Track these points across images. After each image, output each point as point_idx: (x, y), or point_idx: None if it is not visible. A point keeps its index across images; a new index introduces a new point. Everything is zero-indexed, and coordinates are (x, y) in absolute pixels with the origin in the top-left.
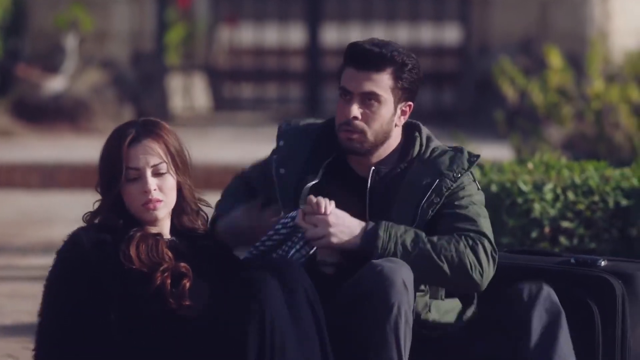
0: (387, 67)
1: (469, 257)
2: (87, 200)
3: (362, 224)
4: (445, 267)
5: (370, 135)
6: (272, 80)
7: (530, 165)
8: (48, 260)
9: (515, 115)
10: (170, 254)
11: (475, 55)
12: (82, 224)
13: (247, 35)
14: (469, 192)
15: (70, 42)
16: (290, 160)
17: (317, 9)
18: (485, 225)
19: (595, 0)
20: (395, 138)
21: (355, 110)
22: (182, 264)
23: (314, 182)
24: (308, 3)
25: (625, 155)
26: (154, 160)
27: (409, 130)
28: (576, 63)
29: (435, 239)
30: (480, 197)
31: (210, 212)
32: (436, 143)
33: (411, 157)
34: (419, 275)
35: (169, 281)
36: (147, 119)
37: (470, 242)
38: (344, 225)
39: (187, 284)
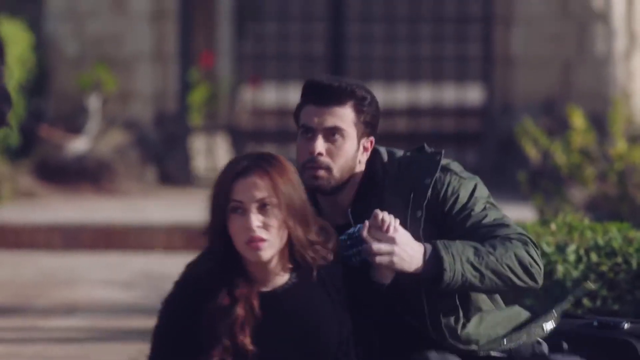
0: (348, 100)
1: (527, 259)
2: (110, 262)
3: (421, 246)
4: (509, 273)
5: (336, 172)
6: (295, 141)
7: (553, 226)
8: (71, 322)
9: (538, 175)
10: (244, 336)
11: (497, 115)
12: (106, 285)
13: (270, 95)
14: (468, 194)
15: (93, 103)
16: None
17: (339, 70)
18: (514, 225)
19: (618, 61)
20: (359, 175)
21: (320, 145)
22: (249, 348)
23: None
24: (331, 63)
25: None
26: (258, 195)
27: (369, 157)
28: (599, 123)
29: (490, 248)
30: (480, 190)
31: None
32: (400, 154)
33: (379, 179)
34: (485, 288)
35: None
36: (264, 153)
37: (521, 244)
38: (408, 246)
39: None
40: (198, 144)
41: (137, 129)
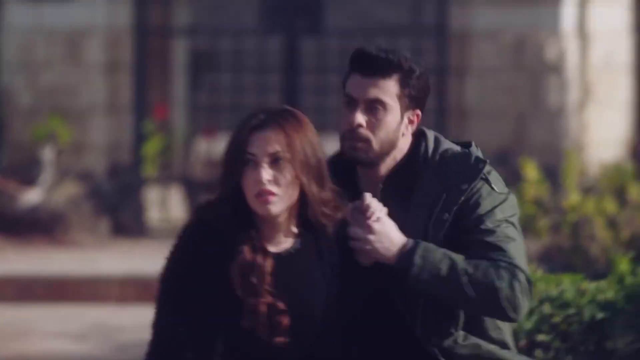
0: (393, 73)
1: (505, 292)
2: (63, 313)
3: (402, 241)
4: (479, 301)
5: (375, 144)
6: None
7: None
8: None
9: None
10: (269, 282)
11: None
12: (59, 337)
13: (224, 146)
14: (489, 207)
15: (48, 154)
16: None
17: None
18: (517, 252)
19: (571, 112)
20: (402, 149)
21: (360, 117)
22: (280, 304)
23: None
24: None
25: (601, 267)
26: (271, 149)
27: (417, 138)
28: (552, 175)
29: (471, 269)
30: (504, 207)
31: None
32: (445, 145)
33: (419, 166)
34: (451, 304)
35: (264, 311)
36: (284, 108)
37: (507, 276)
38: (385, 237)
39: (285, 322)
40: (152, 195)
41: (91, 180)
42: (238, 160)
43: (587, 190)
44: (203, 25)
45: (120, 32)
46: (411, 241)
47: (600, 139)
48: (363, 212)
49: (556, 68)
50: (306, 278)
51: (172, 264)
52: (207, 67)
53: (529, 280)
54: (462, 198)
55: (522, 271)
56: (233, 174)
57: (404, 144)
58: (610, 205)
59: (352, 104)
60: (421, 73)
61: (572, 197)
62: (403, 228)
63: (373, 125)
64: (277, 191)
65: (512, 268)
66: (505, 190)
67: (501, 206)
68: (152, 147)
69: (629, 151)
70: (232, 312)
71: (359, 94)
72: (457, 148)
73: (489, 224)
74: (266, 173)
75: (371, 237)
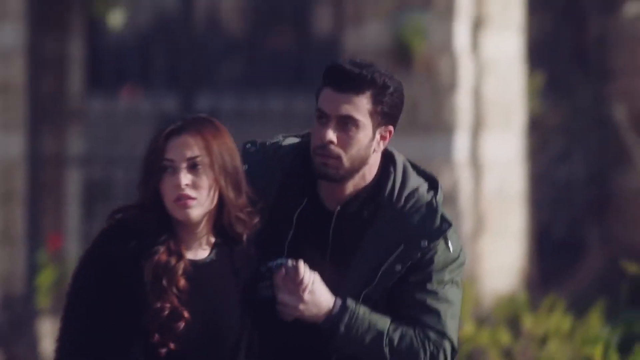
0: (366, 89)
1: None
2: None
3: (330, 305)
4: None
5: (346, 161)
6: None
7: None
8: None
9: None
10: (181, 284)
11: None
12: None
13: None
14: (441, 266)
15: None
16: (255, 188)
17: None
18: (452, 318)
19: (464, 243)
20: (373, 165)
21: (331, 134)
22: (185, 312)
23: (288, 239)
24: None
25: None
26: (189, 154)
27: (385, 162)
28: None
29: (397, 339)
30: (454, 266)
31: None
32: (413, 183)
33: (382, 200)
34: None
35: (166, 314)
36: (201, 115)
37: (431, 347)
38: (315, 305)
39: (180, 326)
40: (46, 326)
41: None
42: (156, 167)
43: (482, 320)
44: (97, 155)
45: (14, 162)
46: (338, 306)
47: (494, 269)
48: (296, 283)
49: (449, 198)
50: (220, 289)
51: (87, 265)
52: (101, 197)
53: (453, 349)
54: (419, 254)
55: (450, 340)
56: (151, 181)
57: (374, 160)
58: (505, 336)
59: (323, 118)
60: (395, 89)
61: (467, 327)
62: (346, 267)
63: (344, 142)
64: (196, 195)
65: (440, 338)
66: (459, 247)
67: (451, 266)
68: (45, 277)
69: (523, 280)
70: (141, 316)
71: (331, 109)
72: (424, 189)
73: (434, 284)
74: (185, 178)
75: (301, 306)
